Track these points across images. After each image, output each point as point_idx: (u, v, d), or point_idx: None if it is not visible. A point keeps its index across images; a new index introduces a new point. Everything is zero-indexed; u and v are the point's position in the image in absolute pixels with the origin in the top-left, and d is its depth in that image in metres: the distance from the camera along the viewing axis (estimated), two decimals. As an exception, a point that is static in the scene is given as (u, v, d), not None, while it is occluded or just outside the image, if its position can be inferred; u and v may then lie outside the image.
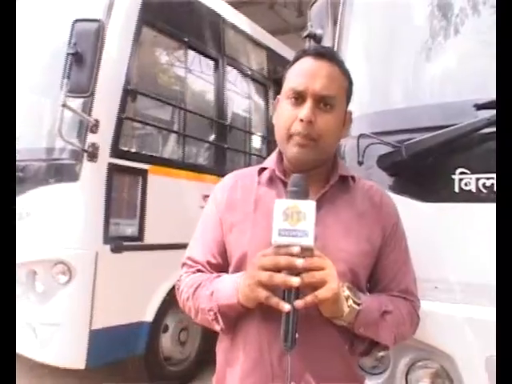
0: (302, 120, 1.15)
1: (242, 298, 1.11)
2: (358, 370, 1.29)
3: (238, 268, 1.21)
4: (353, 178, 1.26)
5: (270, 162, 1.30)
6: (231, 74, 4.39)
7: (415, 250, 1.29)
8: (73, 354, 2.96)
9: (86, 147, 2.99)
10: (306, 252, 0.99)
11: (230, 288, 1.15)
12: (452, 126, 1.56)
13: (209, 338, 3.99)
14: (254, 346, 1.17)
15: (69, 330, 2.94)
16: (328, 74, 1.18)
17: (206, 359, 4.06)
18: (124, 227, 3.23)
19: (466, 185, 1.55)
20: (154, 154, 3.67)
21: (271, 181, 1.26)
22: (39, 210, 3.05)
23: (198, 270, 1.28)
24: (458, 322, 1.47)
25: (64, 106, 2.73)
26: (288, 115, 1.19)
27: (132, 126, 3.44)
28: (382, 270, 1.23)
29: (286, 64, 1.26)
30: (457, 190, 1.57)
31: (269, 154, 5.14)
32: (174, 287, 3.34)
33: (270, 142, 4.86)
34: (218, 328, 1.20)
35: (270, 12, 10.12)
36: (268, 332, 1.14)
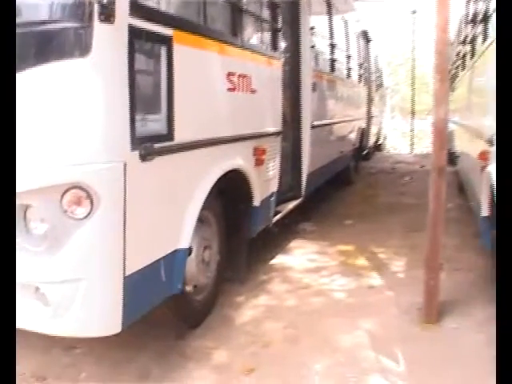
0: None
1: None
2: None
3: None
4: None
5: None
6: None
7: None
8: (105, 317, 2.05)
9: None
10: None
11: None
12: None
13: (224, 252, 3.25)
14: None
15: (97, 285, 2.00)
16: None
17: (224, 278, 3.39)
18: (151, 122, 2.21)
19: None
20: (177, 16, 2.53)
21: None
22: (29, 109, 1.89)
23: None
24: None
25: None
26: None
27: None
28: None
29: None
30: None
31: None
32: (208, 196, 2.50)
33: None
34: None
35: None
36: None
